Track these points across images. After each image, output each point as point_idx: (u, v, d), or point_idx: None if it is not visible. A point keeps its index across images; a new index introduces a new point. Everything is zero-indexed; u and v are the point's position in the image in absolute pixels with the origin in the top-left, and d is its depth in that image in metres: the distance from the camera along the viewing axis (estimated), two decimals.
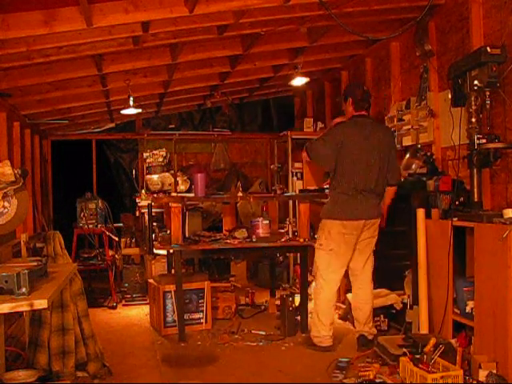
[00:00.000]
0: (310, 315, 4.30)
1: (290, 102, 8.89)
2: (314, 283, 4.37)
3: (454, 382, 3.02)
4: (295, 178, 6.86)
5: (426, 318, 3.96)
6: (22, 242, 3.62)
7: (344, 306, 5.03)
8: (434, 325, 3.96)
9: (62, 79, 5.32)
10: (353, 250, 4.06)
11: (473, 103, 3.76)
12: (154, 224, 5.21)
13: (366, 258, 4.14)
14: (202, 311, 4.77)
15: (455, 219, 3.73)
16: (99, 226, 6.13)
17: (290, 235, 5.03)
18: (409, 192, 4.30)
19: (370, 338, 4.05)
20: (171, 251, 4.93)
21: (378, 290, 4.63)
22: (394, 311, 4.49)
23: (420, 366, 3.12)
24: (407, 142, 5.25)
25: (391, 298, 4.50)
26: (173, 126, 8.51)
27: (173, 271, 5.02)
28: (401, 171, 4.49)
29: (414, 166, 4.65)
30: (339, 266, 4.05)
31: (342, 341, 4.25)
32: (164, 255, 5.81)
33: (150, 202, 4.94)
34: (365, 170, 3.96)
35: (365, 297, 4.15)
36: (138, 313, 5.60)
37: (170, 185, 5.14)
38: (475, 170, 3.77)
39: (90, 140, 8.25)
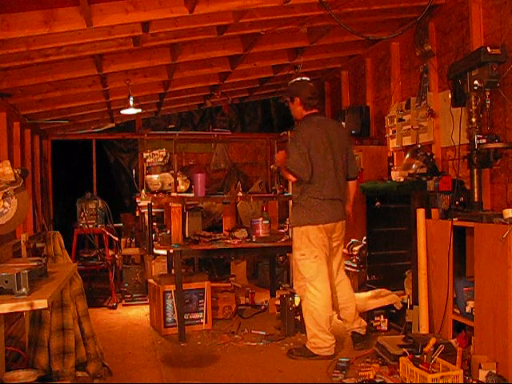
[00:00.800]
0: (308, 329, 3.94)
1: None
2: (301, 297, 3.99)
3: (453, 381, 3.02)
4: None
5: (425, 318, 3.96)
6: (21, 242, 3.62)
7: None
8: (433, 325, 3.96)
9: (62, 79, 5.32)
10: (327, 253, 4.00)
11: (473, 103, 3.76)
12: (154, 224, 5.22)
13: (339, 259, 4.11)
14: (202, 311, 4.77)
15: (455, 219, 3.73)
16: (99, 226, 6.13)
17: (290, 235, 5.03)
18: (409, 192, 4.30)
19: (363, 332, 4.02)
20: (171, 251, 4.93)
21: (378, 290, 4.64)
22: (394, 311, 4.49)
23: (420, 366, 3.12)
24: (407, 141, 5.25)
25: (391, 298, 4.50)
26: (173, 126, 8.51)
27: (173, 271, 5.02)
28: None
29: (414, 166, 4.64)
30: (326, 270, 3.92)
31: (342, 341, 4.25)
32: (164, 255, 5.81)
33: (149, 201, 4.94)
34: (333, 171, 3.87)
35: (346, 296, 4.08)
36: (137, 313, 5.59)
37: (169, 185, 5.13)
38: (475, 170, 3.77)
39: (90, 140, 8.26)
